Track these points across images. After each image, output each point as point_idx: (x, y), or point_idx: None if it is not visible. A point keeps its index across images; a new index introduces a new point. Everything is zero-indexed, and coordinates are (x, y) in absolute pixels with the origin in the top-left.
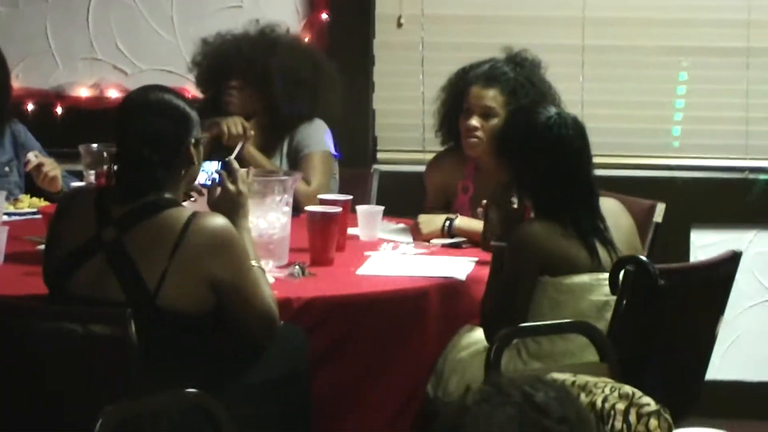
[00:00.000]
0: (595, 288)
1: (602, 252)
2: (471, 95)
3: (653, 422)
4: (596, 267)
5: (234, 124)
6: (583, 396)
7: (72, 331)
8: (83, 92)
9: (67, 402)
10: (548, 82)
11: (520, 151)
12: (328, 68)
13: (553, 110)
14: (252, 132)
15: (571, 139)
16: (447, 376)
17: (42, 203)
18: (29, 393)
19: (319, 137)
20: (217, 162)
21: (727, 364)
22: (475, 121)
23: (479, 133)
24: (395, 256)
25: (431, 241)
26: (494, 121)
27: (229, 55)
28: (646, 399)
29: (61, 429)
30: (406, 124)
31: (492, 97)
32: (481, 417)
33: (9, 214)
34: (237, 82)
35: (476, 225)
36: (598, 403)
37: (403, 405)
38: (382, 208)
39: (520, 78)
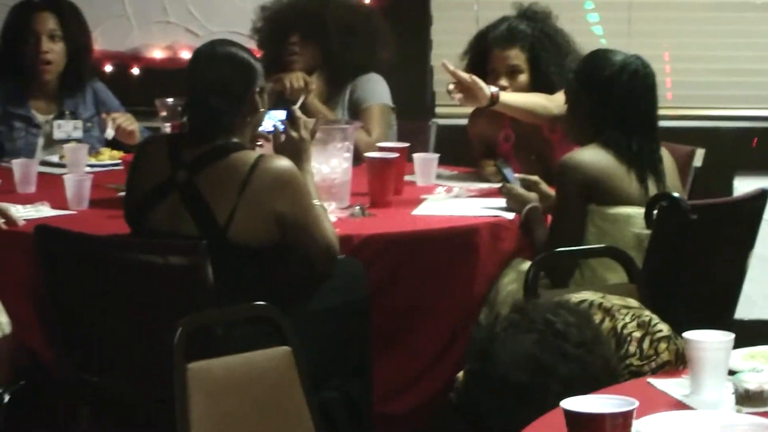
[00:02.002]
0: (639, 220)
1: (652, 188)
2: (494, 58)
3: (662, 345)
4: (645, 201)
5: (296, 79)
6: (607, 321)
7: (152, 262)
8: (157, 54)
9: (147, 326)
10: (561, 30)
11: (601, 82)
12: (380, 22)
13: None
14: (314, 86)
15: (647, 75)
16: (498, 307)
17: (121, 154)
18: (113, 320)
19: (378, 91)
20: (282, 110)
21: None
22: (503, 82)
23: (509, 92)
24: (449, 199)
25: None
26: (521, 77)
27: (286, 14)
28: (661, 326)
29: (142, 350)
30: None
31: (515, 56)
32: (507, 342)
33: (91, 166)
34: (296, 38)
35: (521, 97)
36: (618, 327)
37: (456, 334)
38: (437, 155)
39: (536, 32)
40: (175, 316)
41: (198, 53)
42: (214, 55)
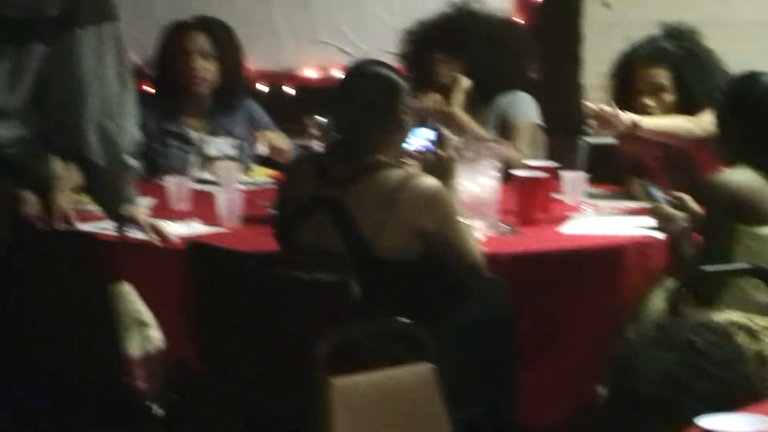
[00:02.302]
0: None
1: None
2: (640, 77)
3: None
4: None
5: (432, 100)
6: (751, 342)
7: (299, 278)
8: (310, 73)
9: (295, 341)
10: (708, 49)
11: (751, 104)
12: (526, 37)
13: None
14: (453, 109)
15: None
16: (645, 324)
17: (273, 172)
18: (262, 334)
19: (526, 109)
20: (429, 130)
21: None
22: (648, 101)
23: (656, 112)
24: (596, 217)
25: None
26: (666, 96)
27: (430, 32)
28: None
29: (288, 363)
30: None
31: (660, 74)
32: (648, 359)
33: (243, 183)
34: (441, 56)
35: (662, 122)
36: (763, 350)
37: (602, 350)
38: (585, 173)
39: (681, 51)
40: (322, 331)
41: (347, 73)
42: (362, 75)
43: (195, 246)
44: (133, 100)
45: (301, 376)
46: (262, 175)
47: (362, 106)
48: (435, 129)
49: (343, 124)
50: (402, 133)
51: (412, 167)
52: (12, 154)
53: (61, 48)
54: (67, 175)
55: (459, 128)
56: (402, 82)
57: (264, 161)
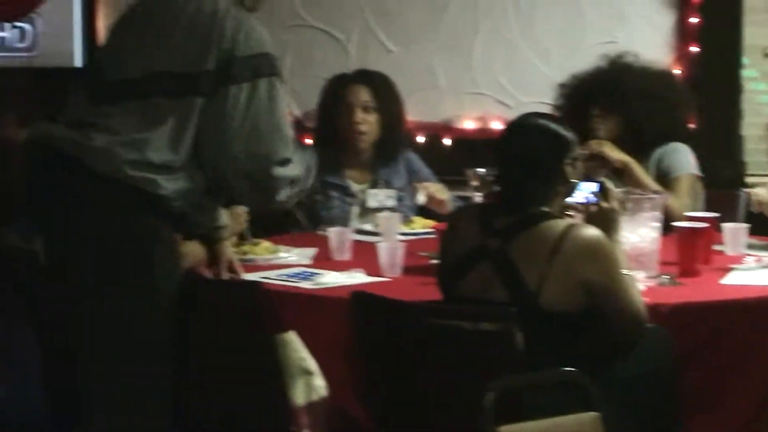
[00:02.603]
0: None
1: None
2: None
3: None
4: None
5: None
6: None
7: (462, 327)
8: (469, 124)
9: (458, 390)
10: None
11: None
12: (682, 88)
13: None
14: (625, 158)
15: None
16: None
17: (433, 223)
18: (424, 383)
19: (685, 161)
20: (593, 182)
21: None
22: None
23: None
24: (759, 269)
25: None
26: None
27: (585, 88)
28: None
29: (452, 412)
30: None
31: None
32: None
33: (404, 234)
34: (597, 111)
35: None
36: None
37: (766, 403)
38: (747, 225)
39: None
40: (486, 381)
41: (510, 125)
42: (525, 127)
43: (358, 295)
44: (291, 152)
45: (465, 425)
46: (422, 226)
47: (527, 159)
48: (598, 181)
49: (507, 176)
50: (567, 186)
51: (576, 219)
52: (178, 206)
53: (215, 103)
54: (232, 225)
55: (631, 178)
56: (568, 135)
57: (423, 212)
